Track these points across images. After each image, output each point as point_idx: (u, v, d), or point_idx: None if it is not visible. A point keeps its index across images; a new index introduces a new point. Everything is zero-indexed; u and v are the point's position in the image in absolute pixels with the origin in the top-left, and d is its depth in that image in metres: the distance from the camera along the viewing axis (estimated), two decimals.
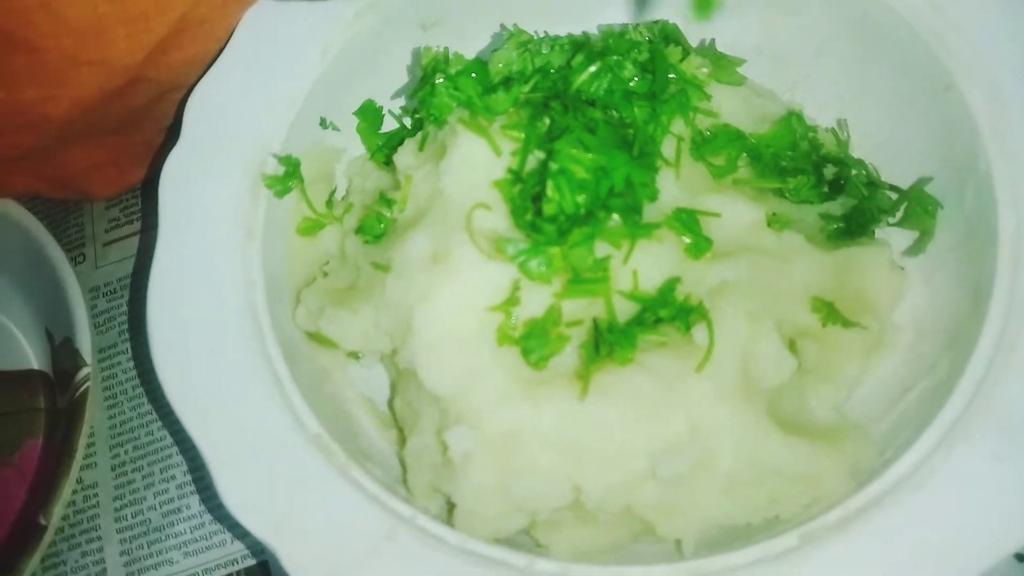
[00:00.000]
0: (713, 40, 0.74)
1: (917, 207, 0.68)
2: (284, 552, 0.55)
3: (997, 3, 0.65)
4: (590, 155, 0.59)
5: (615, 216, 0.59)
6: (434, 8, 0.77)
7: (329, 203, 0.75)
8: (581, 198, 0.58)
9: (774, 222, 0.67)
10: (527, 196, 0.59)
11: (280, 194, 0.71)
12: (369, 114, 0.79)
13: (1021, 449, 0.53)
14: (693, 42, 0.73)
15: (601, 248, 0.59)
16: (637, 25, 0.67)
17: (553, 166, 0.59)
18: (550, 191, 0.58)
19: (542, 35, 0.69)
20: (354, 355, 0.72)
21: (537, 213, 0.58)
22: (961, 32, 0.65)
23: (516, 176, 0.62)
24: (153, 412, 0.82)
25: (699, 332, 0.60)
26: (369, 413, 0.71)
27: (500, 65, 0.66)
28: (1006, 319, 0.57)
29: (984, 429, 0.54)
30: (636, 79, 0.65)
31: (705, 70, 0.68)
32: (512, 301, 0.60)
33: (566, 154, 0.58)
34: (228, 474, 0.58)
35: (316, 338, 0.67)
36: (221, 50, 0.73)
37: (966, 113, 0.64)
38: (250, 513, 0.57)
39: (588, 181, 0.59)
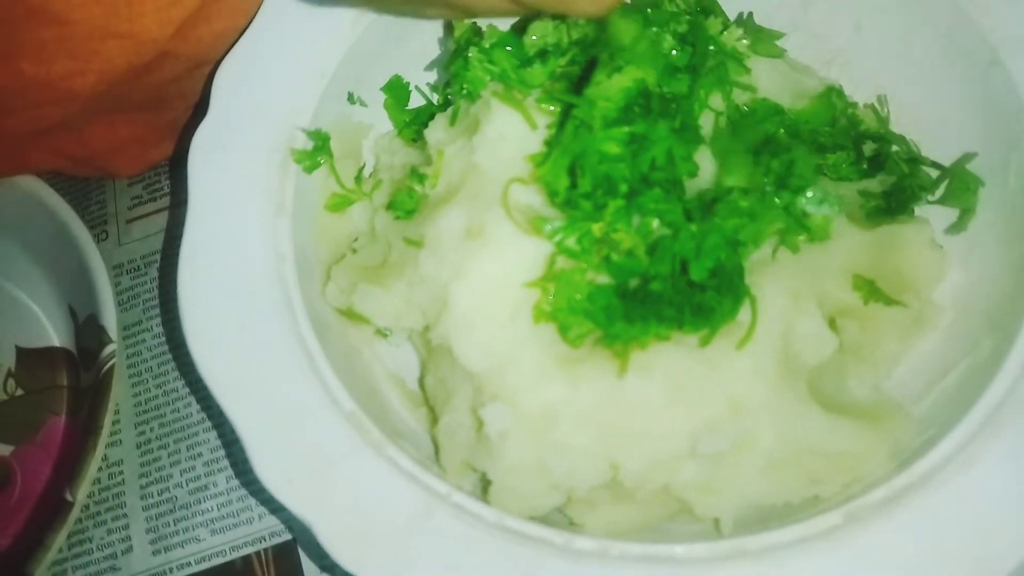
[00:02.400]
0: (751, 13, 0.72)
1: (959, 184, 0.66)
2: (321, 528, 0.55)
3: None
4: (627, 127, 0.58)
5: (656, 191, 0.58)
6: None
7: (358, 179, 0.74)
8: (619, 172, 0.57)
9: None
10: (562, 170, 0.58)
11: (309, 169, 0.70)
12: (396, 90, 0.78)
13: None
14: (731, 15, 0.72)
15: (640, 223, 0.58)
16: None
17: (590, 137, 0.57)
18: (586, 164, 0.56)
19: None
20: (382, 333, 0.72)
21: (572, 187, 0.57)
22: (1008, 3, 0.64)
23: (551, 150, 0.61)
24: (179, 390, 0.81)
25: (741, 309, 0.59)
26: (399, 391, 0.70)
27: (535, 37, 0.64)
28: None
29: None
30: (675, 51, 0.63)
31: (744, 42, 0.66)
32: (549, 278, 0.59)
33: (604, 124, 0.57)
34: (263, 449, 0.58)
35: (348, 315, 0.66)
36: (249, 24, 0.72)
37: (1011, 89, 0.63)
38: (286, 489, 0.56)
39: (626, 153, 0.57)
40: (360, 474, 0.57)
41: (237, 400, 0.59)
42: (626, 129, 0.57)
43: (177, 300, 0.63)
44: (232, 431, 0.59)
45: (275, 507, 0.57)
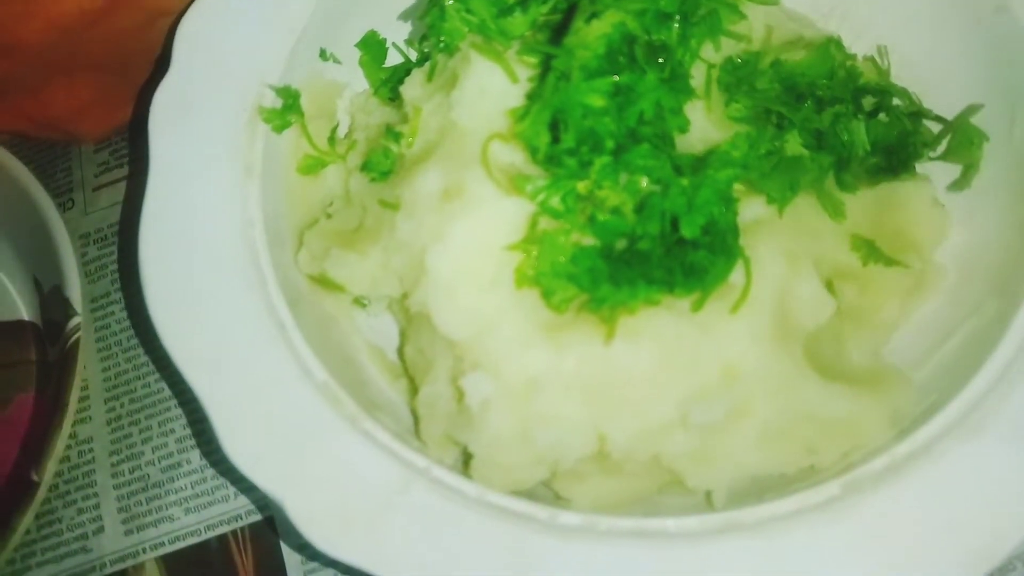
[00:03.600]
0: None
1: (962, 139, 0.63)
2: (293, 507, 0.52)
3: None
4: (611, 78, 0.54)
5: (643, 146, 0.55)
6: None
7: (331, 140, 0.70)
8: (604, 126, 0.53)
9: None
10: (543, 125, 0.54)
11: (279, 128, 0.67)
12: (372, 46, 0.74)
13: None
14: None
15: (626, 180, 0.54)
16: None
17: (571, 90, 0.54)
18: (569, 118, 0.53)
19: None
20: (360, 302, 0.68)
21: (555, 143, 0.54)
22: None
23: (531, 105, 0.57)
24: (150, 364, 0.78)
25: (734, 271, 0.56)
26: (377, 362, 0.67)
27: None
28: None
29: None
30: None
31: None
32: (531, 240, 0.55)
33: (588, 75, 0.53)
34: (232, 426, 0.55)
35: (321, 282, 0.63)
36: None
37: (1018, 36, 0.59)
38: (256, 466, 0.53)
39: (611, 106, 0.54)
40: (334, 449, 0.54)
41: (203, 374, 0.56)
42: (610, 79, 0.53)
43: (139, 271, 0.60)
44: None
45: (247, 486, 0.54)
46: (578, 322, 0.55)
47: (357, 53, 0.73)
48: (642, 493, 0.59)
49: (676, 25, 0.59)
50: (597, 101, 0.54)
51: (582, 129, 0.54)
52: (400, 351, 0.67)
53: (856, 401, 0.56)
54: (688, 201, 0.53)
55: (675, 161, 0.56)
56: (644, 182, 0.55)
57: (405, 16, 0.74)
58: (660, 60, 0.57)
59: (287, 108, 0.67)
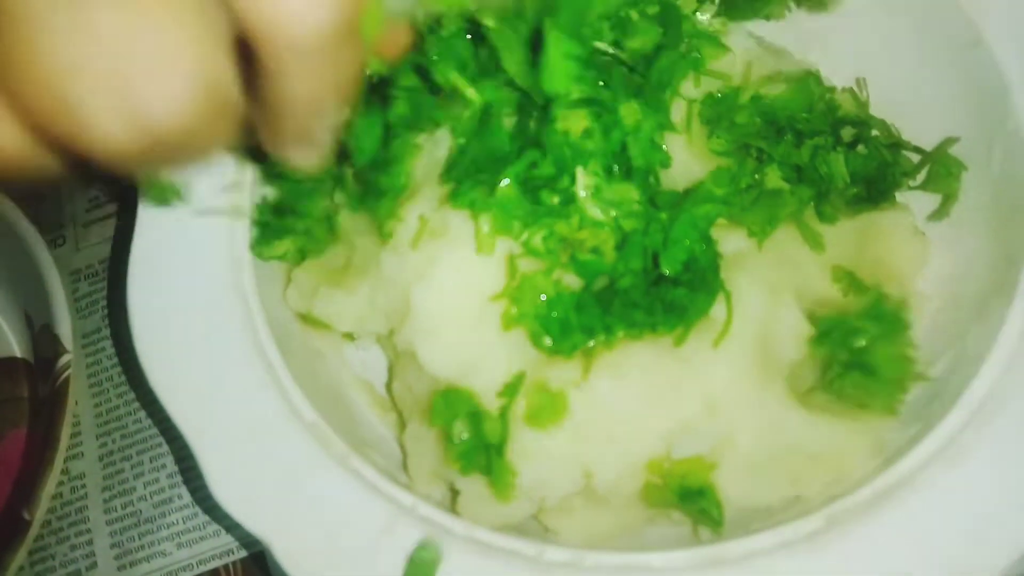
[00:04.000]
0: None
1: (941, 169, 0.64)
2: (280, 547, 0.52)
3: None
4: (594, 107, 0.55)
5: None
6: None
7: None
8: (585, 155, 0.54)
9: None
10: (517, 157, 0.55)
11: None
12: None
13: None
14: None
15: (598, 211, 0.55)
16: None
17: (551, 117, 0.54)
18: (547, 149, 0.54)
19: None
20: (349, 336, 0.69)
21: (533, 176, 0.54)
22: None
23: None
24: (140, 399, 0.78)
25: (715, 305, 0.56)
26: (367, 397, 0.67)
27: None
28: None
29: (1020, 402, 0.51)
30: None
31: (719, 21, 0.64)
32: (515, 284, 0.56)
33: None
34: (219, 466, 0.55)
35: (308, 320, 0.63)
36: None
37: (994, 70, 0.60)
38: (243, 507, 0.54)
39: (594, 128, 0.54)
40: (322, 488, 0.54)
41: (191, 414, 0.56)
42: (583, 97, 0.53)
43: (127, 310, 0.60)
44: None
45: (232, 524, 0.54)
46: (564, 358, 0.56)
47: None
48: (630, 525, 0.59)
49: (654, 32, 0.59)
50: (579, 123, 0.54)
51: (562, 155, 0.55)
52: (388, 386, 0.67)
53: (839, 432, 0.57)
54: (665, 235, 0.54)
55: (658, 197, 0.57)
56: (625, 219, 0.56)
57: None
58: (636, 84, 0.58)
59: None
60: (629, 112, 0.55)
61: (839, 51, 0.72)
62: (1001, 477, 0.49)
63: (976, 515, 0.50)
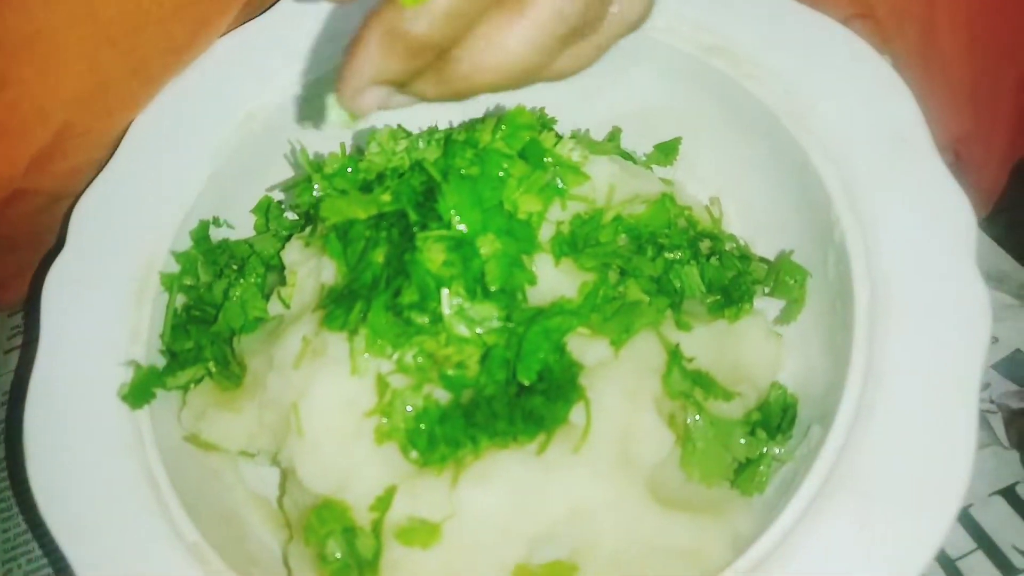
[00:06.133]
0: (587, 129, 0.77)
1: (786, 277, 0.70)
2: None
3: (846, 83, 0.69)
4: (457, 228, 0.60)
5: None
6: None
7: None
8: (446, 282, 0.59)
9: None
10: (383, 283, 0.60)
11: (175, 291, 0.71)
12: (265, 211, 0.80)
13: (882, 513, 0.54)
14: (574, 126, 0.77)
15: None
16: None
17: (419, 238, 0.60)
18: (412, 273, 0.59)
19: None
20: (248, 454, 0.71)
21: (397, 300, 0.59)
22: (814, 111, 0.69)
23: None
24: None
25: (576, 412, 0.60)
26: (261, 513, 0.69)
27: (374, 160, 0.68)
28: (864, 386, 0.58)
29: (846, 496, 0.55)
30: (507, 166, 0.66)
31: (577, 153, 0.70)
32: (386, 400, 0.60)
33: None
34: None
35: (196, 442, 0.66)
36: (110, 156, 0.74)
37: (819, 185, 0.67)
38: None
39: (455, 258, 0.60)
40: None
41: (76, 541, 0.58)
42: (446, 233, 0.59)
43: (23, 438, 0.63)
44: None
45: None
46: (435, 469, 0.59)
47: (250, 217, 0.80)
48: None
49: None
50: (437, 256, 0.60)
51: (425, 282, 0.60)
52: (279, 501, 0.69)
53: (698, 528, 0.60)
54: (520, 348, 0.58)
55: (515, 313, 0.62)
56: (487, 334, 0.60)
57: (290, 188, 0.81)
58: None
59: (184, 272, 0.72)
60: (485, 243, 0.60)
61: (703, 170, 0.80)
62: (829, 570, 0.53)
63: None
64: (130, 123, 0.73)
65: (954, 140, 0.76)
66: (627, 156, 0.80)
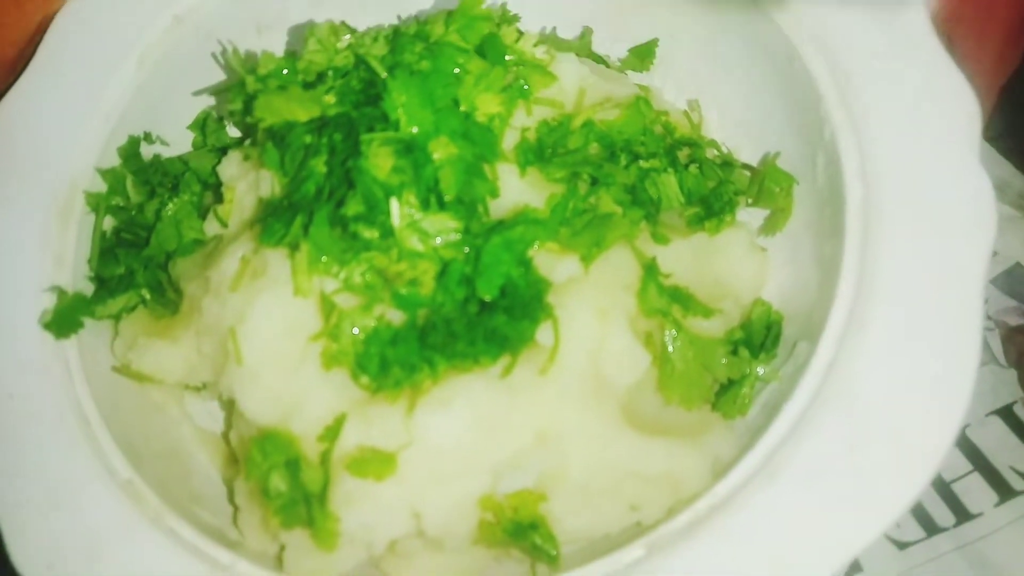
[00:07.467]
0: (555, 27, 0.70)
1: (771, 184, 0.64)
2: None
3: None
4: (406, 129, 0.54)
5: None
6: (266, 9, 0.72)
7: None
8: (395, 190, 0.53)
9: None
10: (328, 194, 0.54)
11: (102, 212, 0.65)
12: (202, 125, 0.73)
13: (873, 436, 0.49)
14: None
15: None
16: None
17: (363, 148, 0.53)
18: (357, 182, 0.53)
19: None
20: (193, 387, 0.66)
21: (340, 211, 0.53)
22: (803, 4, 0.63)
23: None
24: None
25: (543, 332, 0.55)
26: (209, 449, 0.65)
27: (313, 59, 0.61)
28: (855, 297, 0.53)
29: (835, 416, 0.50)
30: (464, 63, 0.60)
31: (542, 50, 0.64)
32: (332, 322, 0.54)
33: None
34: (21, 532, 0.52)
35: (128, 373, 0.61)
36: (25, 60, 0.67)
37: (809, 81, 0.61)
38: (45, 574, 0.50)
39: (403, 165, 0.54)
40: (133, 552, 0.52)
41: (1, 484, 0.53)
42: (394, 135, 0.53)
43: None
44: None
45: None
46: (389, 394, 0.54)
47: (187, 133, 0.73)
48: (476, 566, 0.57)
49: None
50: (385, 161, 0.54)
51: (371, 192, 0.54)
52: (225, 436, 0.64)
53: (676, 453, 0.55)
54: (479, 261, 0.53)
55: (475, 224, 0.56)
56: (444, 248, 0.55)
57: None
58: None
59: (112, 191, 0.66)
60: (439, 147, 0.54)
61: (680, 72, 0.73)
62: (815, 493, 0.49)
63: (787, 535, 0.49)
64: (43, 20, 0.66)
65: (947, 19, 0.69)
66: (599, 60, 0.74)
